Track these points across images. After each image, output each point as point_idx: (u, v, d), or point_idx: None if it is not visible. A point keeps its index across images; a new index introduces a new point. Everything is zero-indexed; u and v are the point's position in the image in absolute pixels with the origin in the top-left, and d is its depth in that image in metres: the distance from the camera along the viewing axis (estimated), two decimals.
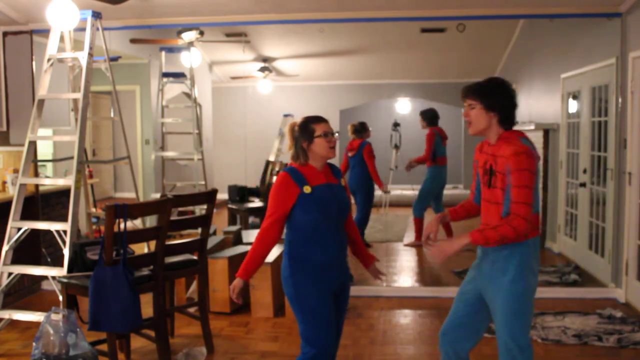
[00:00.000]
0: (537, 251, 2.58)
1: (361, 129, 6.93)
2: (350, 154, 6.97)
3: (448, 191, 9.24)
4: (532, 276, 2.56)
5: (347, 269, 2.94)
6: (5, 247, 4.32)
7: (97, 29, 4.56)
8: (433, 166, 7.08)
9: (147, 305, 3.86)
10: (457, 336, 2.73)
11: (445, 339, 2.76)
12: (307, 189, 2.73)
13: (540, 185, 6.99)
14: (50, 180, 5.10)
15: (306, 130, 2.78)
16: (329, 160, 2.86)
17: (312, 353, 2.72)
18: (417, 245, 7.13)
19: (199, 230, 3.97)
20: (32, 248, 5.18)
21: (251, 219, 7.16)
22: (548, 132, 6.82)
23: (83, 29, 4.47)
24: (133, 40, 7.07)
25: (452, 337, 2.74)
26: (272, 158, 8.59)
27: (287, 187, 2.74)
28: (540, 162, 6.93)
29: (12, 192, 4.80)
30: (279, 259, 4.74)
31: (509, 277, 2.51)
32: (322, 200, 2.74)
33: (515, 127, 2.61)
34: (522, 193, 2.40)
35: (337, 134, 2.90)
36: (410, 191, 9.82)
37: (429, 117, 7.10)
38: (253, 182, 9.88)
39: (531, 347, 2.59)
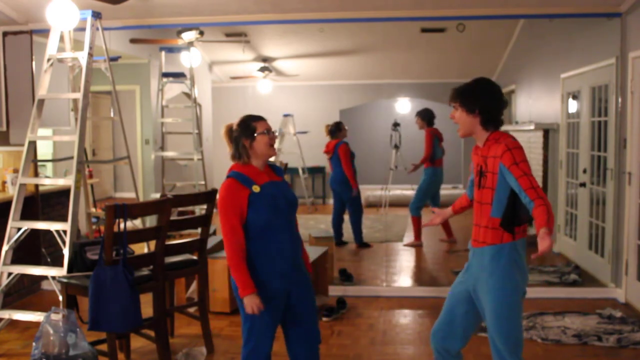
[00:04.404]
0: (524, 251, 2.56)
1: (335, 129, 7.00)
2: (327, 156, 7.06)
3: (447, 191, 9.24)
4: (520, 275, 2.53)
5: (301, 272, 2.84)
6: (5, 247, 4.33)
7: (97, 29, 4.56)
8: (430, 167, 7.08)
9: (147, 305, 3.85)
10: (447, 334, 2.73)
11: (435, 337, 2.77)
12: (255, 189, 2.71)
13: (540, 185, 6.98)
14: (50, 180, 5.10)
15: (247, 128, 2.80)
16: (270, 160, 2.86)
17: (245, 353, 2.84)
18: (417, 245, 7.13)
19: (199, 230, 3.98)
20: (32, 248, 5.18)
21: None
22: (548, 132, 6.81)
23: (83, 29, 4.47)
24: (133, 40, 7.07)
25: (442, 336, 2.74)
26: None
27: (236, 191, 2.69)
28: (540, 163, 6.95)
29: (12, 192, 4.80)
30: None
31: (495, 278, 2.50)
32: (272, 197, 2.72)
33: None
34: (529, 180, 2.40)
35: (277, 132, 2.90)
36: (410, 191, 9.81)
37: (428, 117, 7.11)
38: None
39: (521, 346, 2.57)
